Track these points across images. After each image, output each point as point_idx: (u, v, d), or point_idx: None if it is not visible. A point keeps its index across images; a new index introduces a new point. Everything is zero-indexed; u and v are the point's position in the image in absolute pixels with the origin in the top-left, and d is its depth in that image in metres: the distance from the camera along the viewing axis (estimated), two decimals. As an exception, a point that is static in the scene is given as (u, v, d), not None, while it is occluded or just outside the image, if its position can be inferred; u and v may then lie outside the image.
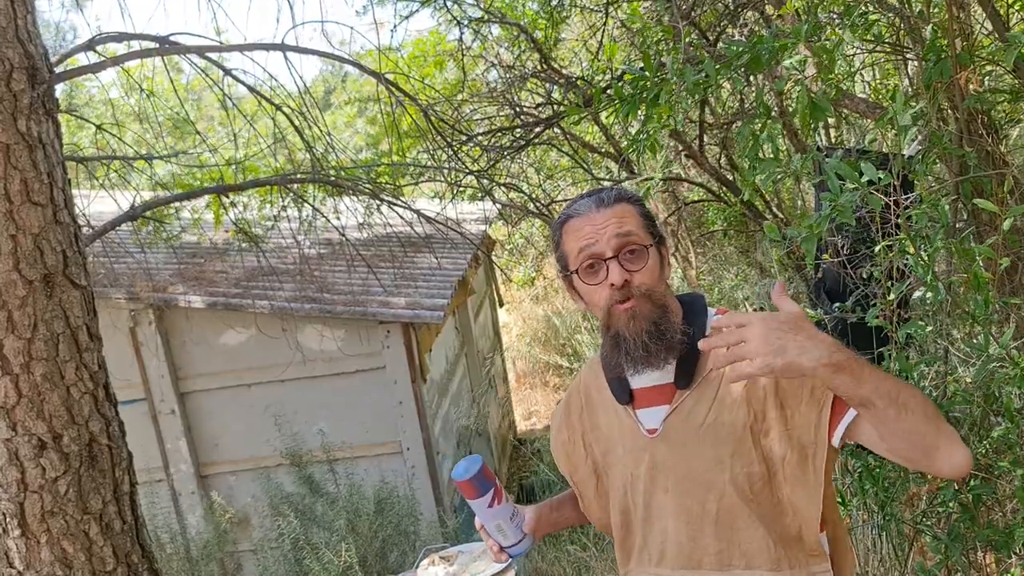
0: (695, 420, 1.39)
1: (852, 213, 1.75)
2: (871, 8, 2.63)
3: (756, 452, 1.35)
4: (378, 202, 4.38)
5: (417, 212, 4.42)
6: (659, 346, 1.36)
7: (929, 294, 1.88)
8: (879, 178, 1.71)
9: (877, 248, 2.16)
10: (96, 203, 4.68)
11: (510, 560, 1.56)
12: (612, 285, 1.36)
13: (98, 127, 3.97)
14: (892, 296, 2.15)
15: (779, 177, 1.94)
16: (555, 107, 5.30)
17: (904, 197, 2.10)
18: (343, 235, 4.48)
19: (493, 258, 7.93)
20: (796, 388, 1.33)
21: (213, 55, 3.35)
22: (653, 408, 1.44)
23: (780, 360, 1.12)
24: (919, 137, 2.25)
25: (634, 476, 1.46)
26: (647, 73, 2.08)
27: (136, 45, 3.30)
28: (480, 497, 1.50)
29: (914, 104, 2.19)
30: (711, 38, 4.40)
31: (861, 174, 1.72)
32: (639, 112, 2.13)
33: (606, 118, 5.86)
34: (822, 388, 1.30)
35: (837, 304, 2.76)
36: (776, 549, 1.36)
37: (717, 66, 2.05)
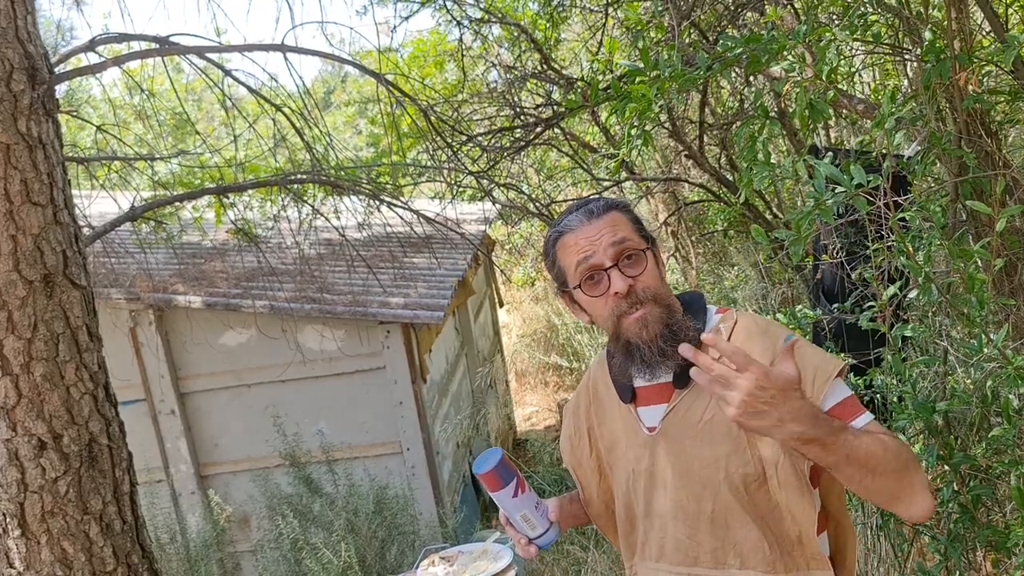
0: (692, 419, 1.40)
1: (835, 215, 1.75)
2: (870, 8, 2.63)
3: (751, 453, 1.35)
4: (378, 202, 4.38)
5: (417, 212, 4.42)
6: (674, 347, 1.35)
7: (923, 296, 1.88)
8: (868, 181, 1.71)
9: (871, 250, 2.16)
10: (97, 203, 4.68)
11: (538, 551, 1.55)
12: (616, 294, 1.36)
13: (98, 128, 3.97)
14: (885, 298, 2.15)
15: (776, 179, 1.94)
16: (555, 107, 5.30)
17: (904, 198, 2.10)
18: (343, 235, 4.48)
19: (493, 258, 7.93)
20: None
21: (213, 56, 3.36)
22: (653, 407, 1.45)
23: (754, 423, 1.16)
24: (919, 137, 2.25)
25: (636, 472, 1.47)
26: (644, 69, 2.08)
27: (136, 45, 3.30)
28: (504, 488, 1.48)
29: (907, 105, 2.19)
30: (711, 38, 4.40)
31: (852, 177, 1.72)
32: (633, 109, 2.13)
33: (605, 118, 5.86)
34: (809, 393, 1.30)
35: (835, 305, 2.76)
36: (772, 551, 1.36)
37: (710, 60, 2.05)
